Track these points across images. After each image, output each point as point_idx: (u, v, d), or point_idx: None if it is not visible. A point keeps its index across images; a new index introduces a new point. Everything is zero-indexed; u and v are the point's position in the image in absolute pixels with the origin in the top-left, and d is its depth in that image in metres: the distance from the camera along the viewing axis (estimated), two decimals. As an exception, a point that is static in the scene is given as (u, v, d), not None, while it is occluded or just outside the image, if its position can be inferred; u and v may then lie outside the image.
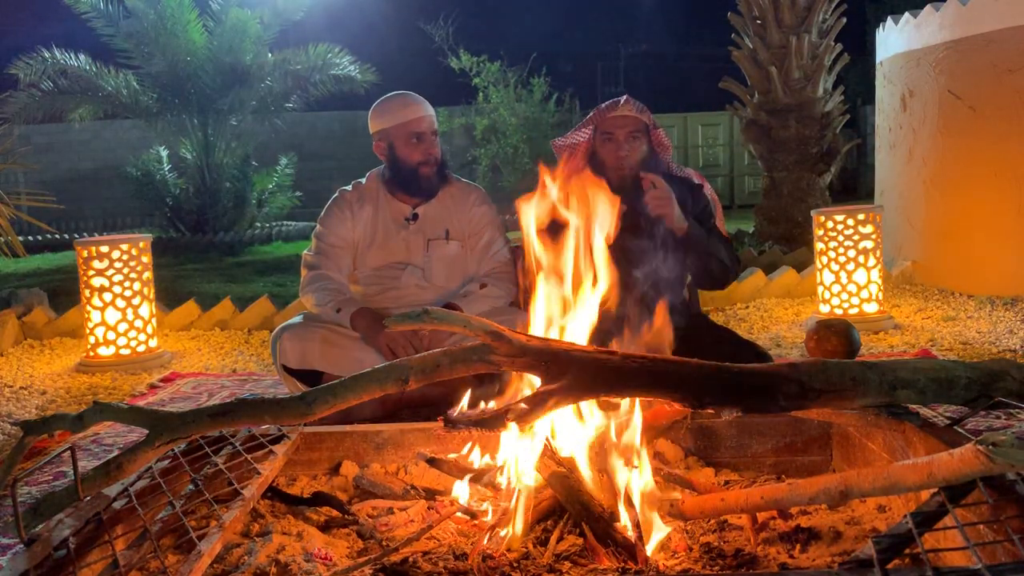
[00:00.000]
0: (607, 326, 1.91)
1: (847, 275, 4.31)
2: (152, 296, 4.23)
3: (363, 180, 3.15)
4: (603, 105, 2.85)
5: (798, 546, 1.66)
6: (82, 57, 10.36)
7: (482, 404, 1.70)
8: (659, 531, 1.66)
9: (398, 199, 3.08)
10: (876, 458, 1.88)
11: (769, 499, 1.58)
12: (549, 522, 1.73)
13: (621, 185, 2.67)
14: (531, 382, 1.72)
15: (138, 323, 4.11)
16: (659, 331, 1.94)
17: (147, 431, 1.54)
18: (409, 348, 2.75)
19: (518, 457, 1.79)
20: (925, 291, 5.11)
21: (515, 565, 1.58)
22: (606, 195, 1.92)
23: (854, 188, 13.65)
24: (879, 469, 1.39)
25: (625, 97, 2.83)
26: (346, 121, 14.93)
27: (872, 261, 4.30)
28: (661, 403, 1.87)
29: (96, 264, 4.04)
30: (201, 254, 9.80)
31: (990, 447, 1.22)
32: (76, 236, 9.99)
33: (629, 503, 1.64)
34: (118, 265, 4.05)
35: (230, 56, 10.28)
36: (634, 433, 1.78)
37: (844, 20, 6.92)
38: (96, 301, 4.06)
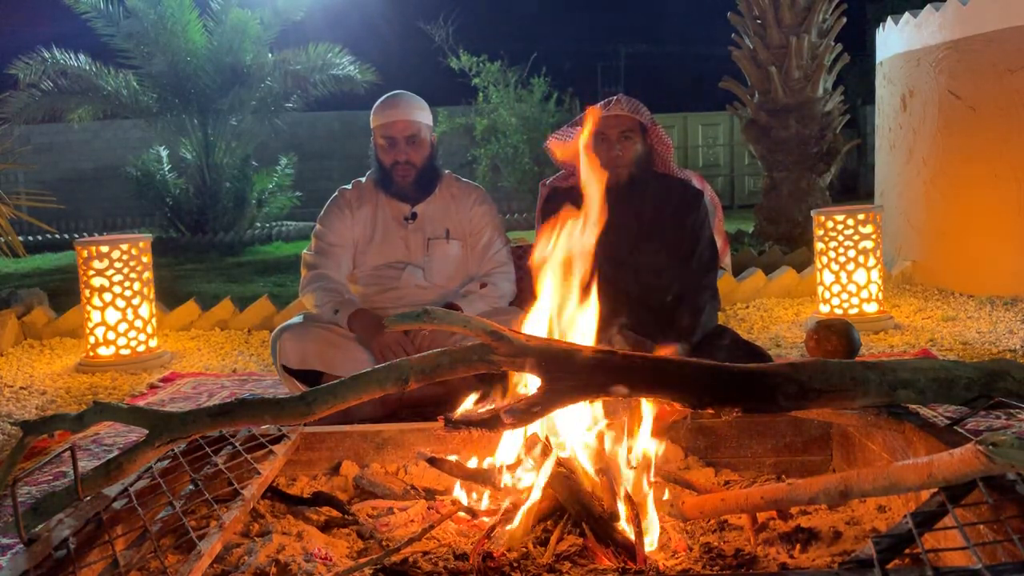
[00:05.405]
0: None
1: (847, 275, 4.30)
2: (152, 296, 4.22)
3: (363, 179, 3.15)
4: (597, 105, 2.83)
5: (798, 546, 1.66)
6: (82, 57, 10.37)
7: (474, 402, 1.71)
8: (659, 531, 1.66)
9: (394, 198, 3.07)
10: (876, 458, 1.88)
11: (769, 499, 1.58)
12: (549, 522, 1.73)
13: (616, 184, 2.66)
14: (531, 382, 1.71)
15: (138, 323, 4.11)
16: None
17: (147, 431, 1.54)
18: (402, 354, 2.74)
19: (518, 457, 1.79)
20: (925, 291, 5.11)
21: (515, 565, 1.57)
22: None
23: (854, 188, 13.66)
24: (879, 469, 1.39)
25: (618, 96, 2.82)
26: (346, 121, 14.93)
27: (872, 261, 4.30)
28: (661, 403, 1.87)
29: (96, 264, 4.04)
30: (201, 254, 9.81)
31: (990, 447, 1.22)
32: (76, 236, 9.99)
33: (629, 503, 1.64)
34: (118, 265, 4.05)
35: (230, 56, 10.29)
36: (635, 433, 1.78)
37: (844, 20, 6.92)
38: (96, 301, 4.06)
